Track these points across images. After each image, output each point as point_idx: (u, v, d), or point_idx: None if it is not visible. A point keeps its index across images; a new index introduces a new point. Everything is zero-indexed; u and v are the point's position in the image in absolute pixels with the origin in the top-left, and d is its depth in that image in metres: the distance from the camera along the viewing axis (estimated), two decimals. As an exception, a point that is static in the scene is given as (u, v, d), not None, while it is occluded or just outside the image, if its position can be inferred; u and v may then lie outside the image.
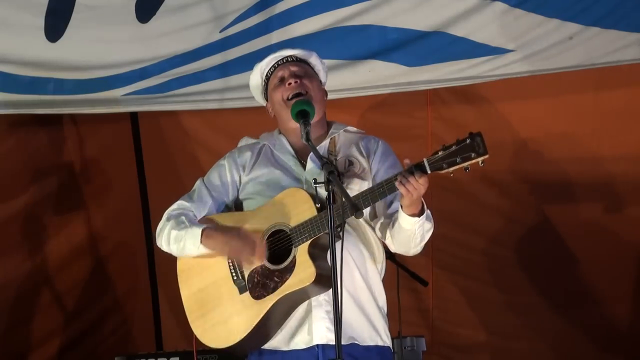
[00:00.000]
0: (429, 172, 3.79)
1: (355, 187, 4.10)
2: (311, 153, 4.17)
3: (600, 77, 5.66)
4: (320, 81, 4.35)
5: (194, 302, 4.27)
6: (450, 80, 5.48)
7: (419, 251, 4.11)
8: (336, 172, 3.91)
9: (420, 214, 3.95)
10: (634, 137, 5.83)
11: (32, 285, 6.24)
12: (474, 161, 3.72)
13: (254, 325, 4.06)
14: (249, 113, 5.82)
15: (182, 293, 4.34)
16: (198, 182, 4.40)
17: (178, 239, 4.21)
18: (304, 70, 4.29)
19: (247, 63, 5.42)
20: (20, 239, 6.19)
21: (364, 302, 4.14)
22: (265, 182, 4.19)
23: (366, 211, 4.14)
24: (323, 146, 4.25)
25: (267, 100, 4.37)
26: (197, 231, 4.14)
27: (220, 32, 5.43)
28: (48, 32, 5.37)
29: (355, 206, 3.82)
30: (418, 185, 3.81)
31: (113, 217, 6.50)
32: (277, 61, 4.32)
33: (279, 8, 5.40)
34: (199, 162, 6.40)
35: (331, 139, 4.26)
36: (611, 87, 5.77)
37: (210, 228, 4.15)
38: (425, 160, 3.79)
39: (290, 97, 4.22)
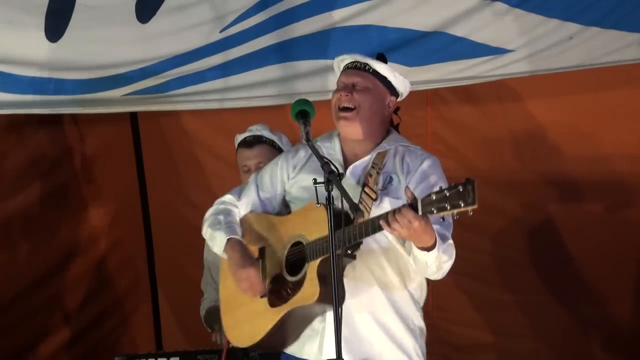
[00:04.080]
0: (420, 212, 3.77)
1: (387, 207, 4.08)
2: (352, 165, 4.21)
3: (600, 77, 5.66)
4: (387, 93, 4.30)
5: (227, 297, 4.38)
6: (450, 80, 5.48)
7: (439, 278, 4.13)
8: (337, 172, 3.93)
9: (432, 247, 3.93)
10: (634, 137, 5.83)
11: (32, 284, 6.24)
12: (462, 210, 3.69)
13: (266, 332, 4.13)
14: (249, 113, 5.84)
15: (220, 286, 4.47)
16: (252, 176, 4.47)
17: (211, 238, 4.33)
18: (365, 83, 4.24)
19: (247, 63, 5.43)
20: (20, 238, 6.19)
21: (387, 322, 4.16)
22: (306, 188, 4.17)
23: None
24: (366, 160, 4.24)
25: None
26: (224, 240, 4.26)
27: (221, 32, 5.43)
28: (48, 32, 5.36)
29: (355, 206, 3.85)
30: (406, 224, 3.78)
31: (113, 217, 6.50)
32: (347, 64, 4.31)
33: (279, 8, 5.40)
34: (199, 162, 6.40)
35: (379, 152, 4.24)
36: (611, 87, 5.77)
37: (234, 242, 4.25)
38: (419, 200, 3.77)
39: (340, 107, 4.23)
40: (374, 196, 4.13)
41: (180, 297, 6.32)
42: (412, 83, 5.47)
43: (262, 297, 4.17)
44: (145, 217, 6.55)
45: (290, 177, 4.34)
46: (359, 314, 4.12)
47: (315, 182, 4.07)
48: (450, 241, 4.03)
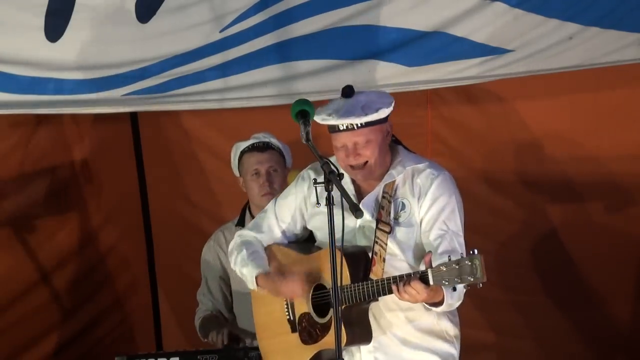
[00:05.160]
0: (431, 283, 3.91)
1: (403, 238, 4.19)
2: (365, 199, 4.24)
3: (600, 77, 5.66)
4: (384, 126, 4.27)
5: (261, 323, 4.61)
6: (450, 80, 5.48)
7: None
8: (336, 172, 3.95)
9: (440, 303, 4.06)
10: (633, 137, 5.83)
11: (32, 283, 6.24)
12: (471, 283, 3.86)
13: None
14: (249, 113, 5.84)
15: (254, 311, 4.67)
16: (269, 206, 4.53)
17: (242, 274, 4.47)
18: (365, 138, 4.20)
19: (247, 63, 5.43)
20: (20, 237, 6.19)
21: (417, 340, 4.26)
22: (325, 221, 4.15)
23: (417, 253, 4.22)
24: (376, 192, 4.26)
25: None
26: (253, 276, 4.41)
27: (220, 32, 5.43)
28: (48, 32, 5.36)
29: (355, 206, 3.86)
30: (414, 295, 3.94)
31: (113, 217, 6.50)
32: (337, 127, 4.22)
33: (279, 8, 5.40)
34: (198, 161, 6.40)
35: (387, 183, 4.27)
36: (611, 87, 5.77)
37: (262, 275, 4.38)
38: (429, 271, 3.90)
39: (351, 166, 4.22)
40: (387, 229, 4.18)
41: (180, 297, 6.31)
42: (412, 83, 5.51)
43: (292, 332, 4.35)
44: (145, 217, 6.55)
45: (308, 209, 4.39)
46: (394, 346, 4.24)
47: (315, 182, 4.09)
48: (460, 287, 4.04)
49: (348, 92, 4.26)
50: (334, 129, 4.22)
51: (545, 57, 5.38)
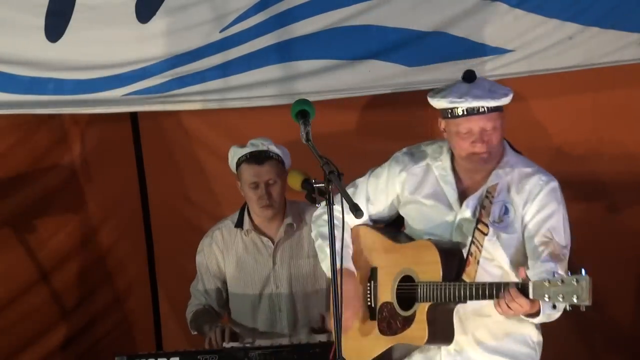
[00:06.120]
0: (531, 297, 3.80)
1: (503, 243, 4.09)
2: (470, 197, 4.16)
3: (600, 77, 5.66)
4: (502, 117, 4.20)
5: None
6: (450, 80, 5.48)
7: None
8: (337, 172, 3.94)
9: (536, 314, 3.95)
10: (633, 137, 5.83)
11: (31, 283, 6.24)
12: (575, 305, 3.74)
13: (374, 356, 4.22)
14: (249, 113, 5.84)
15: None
16: (361, 184, 4.42)
17: (321, 251, 4.41)
18: (492, 125, 4.14)
19: (247, 63, 5.43)
20: (20, 237, 6.19)
21: (499, 345, 4.19)
22: (420, 211, 4.15)
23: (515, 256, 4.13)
24: (480, 192, 4.17)
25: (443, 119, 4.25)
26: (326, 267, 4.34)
27: (221, 32, 5.43)
28: (48, 32, 5.37)
29: (355, 206, 3.86)
30: (515, 308, 3.83)
31: (113, 217, 6.50)
32: (468, 109, 4.16)
33: (279, 8, 5.40)
34: (199, 161, 6.40)
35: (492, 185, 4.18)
36: (611, 87, 5.76)
37: (346, 272, 4.17)
38: (530, 283, 3.78)
39: (475, 153, 4.13)
40: (486, 231, 4.08)
41: (180, 296, 6.30)
42: (412, 83, 5.51)
43: (372, 319, 4.25)
44: (145, 217, 6.54)
45: (404, 195, 4.31)
46: (473, 351, 4.18)
47: (315, 182, 4.09)
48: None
49: (471, 76, 4.21)
50: (456, 114, 4.15)
51: (545, 57, 5.37)
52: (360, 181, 4.47)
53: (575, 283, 3.70)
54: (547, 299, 3.75)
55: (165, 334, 6.61)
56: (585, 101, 5.85)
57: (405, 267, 4.18)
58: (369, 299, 4.31)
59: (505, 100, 4.17)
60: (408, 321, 4.13)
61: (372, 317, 4.28)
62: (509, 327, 4.20)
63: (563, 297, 3.71)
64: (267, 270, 5.30)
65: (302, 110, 4.10)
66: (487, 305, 4.09)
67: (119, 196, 6.50)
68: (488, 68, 5.41)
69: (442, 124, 4.28)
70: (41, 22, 5.35)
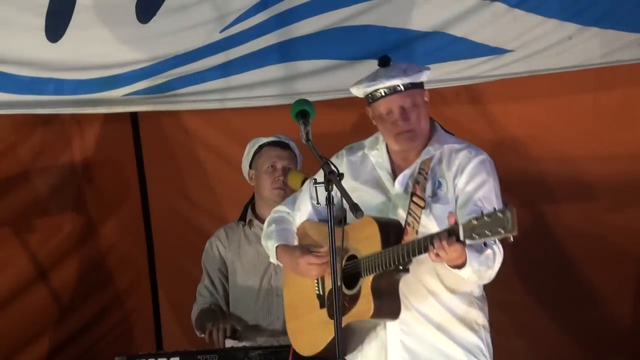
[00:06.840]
0: (462, 238, 3.79)
1: (438, 214, 4.11)
2: (400, 175, 4.21)
3: (599, 77, 5.66)
4: (424, 92, 4.28)
5: (289, 304, 4.47)
6: (450, 80, 5.49)
7: (487, 282, 4.20)
8: (337, 172, 3.95)
9: (462, 265, 3.95)
10: (633, 137, 5.83)
11: (32, 282, 6.25)
12: (502, 236, 3.73)
13: (327, 343, 4.17)
14: (250, 113, 5.85)
15: (284, 292, 4.57)
16: (305, 185, 4.49)
17: (267, 247, 4.43)
18: (410, 102, 4.21)
19: (247, 63, 5.45)
20: (20, 237, 6.20)
21: (450, 329, 4.19)
22: (361, 198, 4.12)
23: None
24: (412, 168, 4.22)
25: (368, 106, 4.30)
26: (274, 249, 4.36)
27: (221, 32, 5.44)
28: (48, 32, 5.37)
29: (355, 206, 3.86)
30: (447, 251, 3.82)
31: (113, 217, 6.50)
32: (381, 91, 4.21)
33: (279, 8, 5.41)
34: (199, 162, 6.40)
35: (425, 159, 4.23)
36: (610, 87, 5.77)
37: (282, 247, 4.31)
38: (460, 225, 3.79)
39: (399, 133, 4.19)
40: (422, 204, 4.12)
41: (180, 297, 6.31)
42: (411, 83, 5.50)
43: (321, 308, 4.24)
44: (145, 217, 6.55)
45: (347, 183, 4.24)
46: (419, 326, 4.16)
47: (315, 182, 4.10)
48: (489, 251, 4.00)
49: (385, 61, 4.26)
50: (375, 97, 4.21)
51: (545, 57, 5.38)
52: (306, 183, 4.51)
53: (500, 215, 3.69)
54: (476, 237, 3.75)
55: (165, 334, 6.62)
56: (585, 101, 5.85)
57: (350, 247, 4.19)
58: (317, 288, 4.30)
59: (420, 77, 4.24)
60: (354, 298, 4.11)
61: (322, 306, 4.26)
62: (453, 306, 4.20)
63: (491, 232, 3.71)
64: (267, 259, 5.31)
65: (302, 110, 4.11)
66: (430, 281, 4.13)
67: (119, 196, 6.51)
68: (488, 68, 5.42)
69: (369, 112, 4.31)
70: (41, 22, 5.36)
